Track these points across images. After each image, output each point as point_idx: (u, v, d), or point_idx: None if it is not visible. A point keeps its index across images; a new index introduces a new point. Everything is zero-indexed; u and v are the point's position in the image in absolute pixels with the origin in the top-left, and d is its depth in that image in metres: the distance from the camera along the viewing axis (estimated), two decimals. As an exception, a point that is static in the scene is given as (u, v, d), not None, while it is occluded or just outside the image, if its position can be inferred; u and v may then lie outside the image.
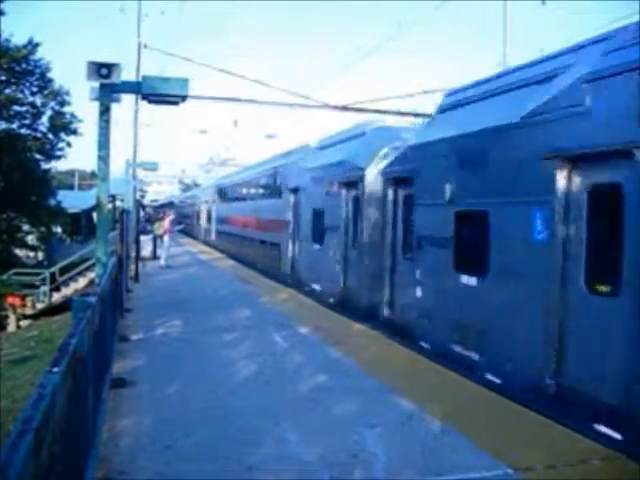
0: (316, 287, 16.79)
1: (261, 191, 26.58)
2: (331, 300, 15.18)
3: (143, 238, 27.59)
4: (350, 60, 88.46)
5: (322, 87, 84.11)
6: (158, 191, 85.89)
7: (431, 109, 13.53)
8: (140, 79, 10.70)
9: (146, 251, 27.35)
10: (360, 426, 6.36)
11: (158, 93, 9.09)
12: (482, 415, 6.87)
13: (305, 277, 18.11)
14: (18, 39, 36.74)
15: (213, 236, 39.45)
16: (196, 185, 72.24)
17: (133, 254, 20.95)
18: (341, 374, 8.45)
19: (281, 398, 7.34)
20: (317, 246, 17.00)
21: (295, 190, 19.61)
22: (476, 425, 6.45)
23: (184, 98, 9.30)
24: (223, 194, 37.34)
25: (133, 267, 19.98)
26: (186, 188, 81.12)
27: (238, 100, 19.75)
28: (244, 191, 30.83)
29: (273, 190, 23.52)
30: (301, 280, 18.31)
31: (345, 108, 19.08)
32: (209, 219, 41.93)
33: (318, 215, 16.76)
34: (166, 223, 27.11)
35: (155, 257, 27.09)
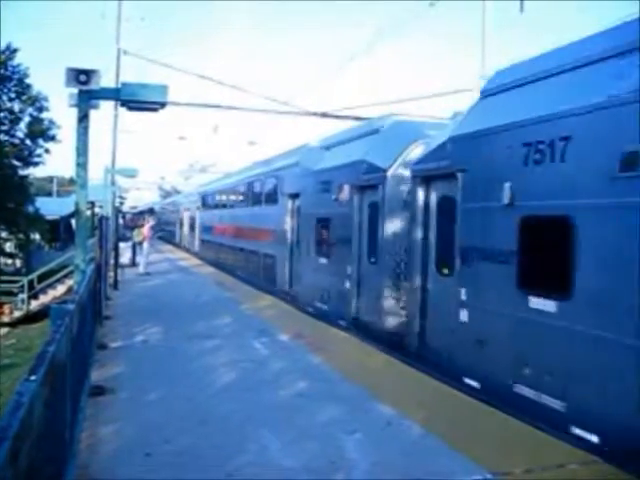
0: None
1: None
2: None
3: (122, 245, 27.43)
4: (334, 66, 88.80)
5: (304, 93, 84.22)
6: (137, 198, 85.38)
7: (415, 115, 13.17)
8: (119, 85, 10.67)
9: (125, 258, 27.20)
10: (340, 432, 6.38)
11: (137, 100, 9.08)
12: (461, 420, 6.92)
13: None
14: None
15: None
16: (176, 192, 71.28)
17: (112, 261, 20.82)
18: (321, 380, 8.47)
19: (261, 405, 7.33)
20: None
21: None
22: (455, 430, 6.50)
23: (163, 105, 9.28)
24: None
25: (112, 274, 19.85)
26: (166, 194, 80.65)
27: (217, 107, 19.75)
28: None
29: None
30: None
31: (325, 115, 19.17)
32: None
33: None
34: (145, 230, 26.99)
35: (134, 264, 26.94)
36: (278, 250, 18.81)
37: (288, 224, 17.84)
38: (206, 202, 35.43)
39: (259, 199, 22.61)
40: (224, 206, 30.19)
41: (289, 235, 17.82)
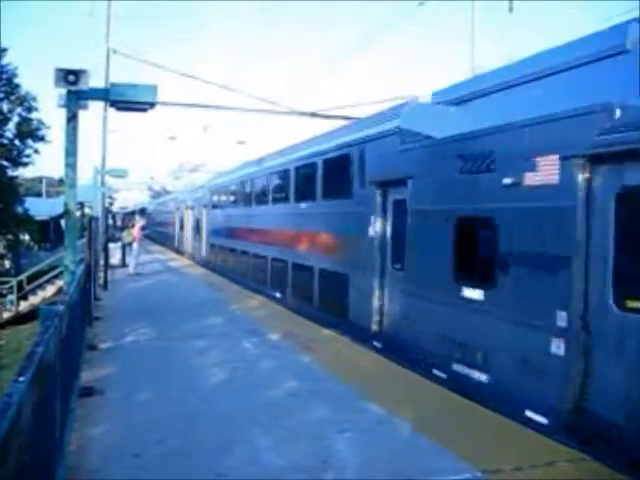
0: None
1: None
2: None
3: (112, 246, 27.34)
4: (323, 67, 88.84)
5: (295, 94, 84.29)
6: (127, 198, 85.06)
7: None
8: (108, 85, 10.65)
9: (115, 259, 27.11)
10: (330, 431, 6.39)
11: (126, 100, 9.05)
12: (450, 419, 6.95)
13: None
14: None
15: None
16: (166, 192, 71.00)
17: (102, 262, 20.74)
18: (311, 380, 8.48)
19: (252, 404, 7.33)
20: None
21: None
22: (445, 429, 6.53)
23: (152, 105, 9.27)
24: None
25: (102, 275, 19.79)
26: (156, 195, 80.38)
27: (207, 106, 19.71)
28: None
29: None
30: None
31: (314, 114, 19.14)
32: None
33: None
34: (135, 230, 26.91)
35: (124, 265, 26.85)
36: (353, 267, 12.62)
37: (377, 228, 11.60)
38: (219, 199, 28.07)
39: (313, 191, 15.22)
40: (248, 203, 22.46)
41: (379, 245, 11.56)
